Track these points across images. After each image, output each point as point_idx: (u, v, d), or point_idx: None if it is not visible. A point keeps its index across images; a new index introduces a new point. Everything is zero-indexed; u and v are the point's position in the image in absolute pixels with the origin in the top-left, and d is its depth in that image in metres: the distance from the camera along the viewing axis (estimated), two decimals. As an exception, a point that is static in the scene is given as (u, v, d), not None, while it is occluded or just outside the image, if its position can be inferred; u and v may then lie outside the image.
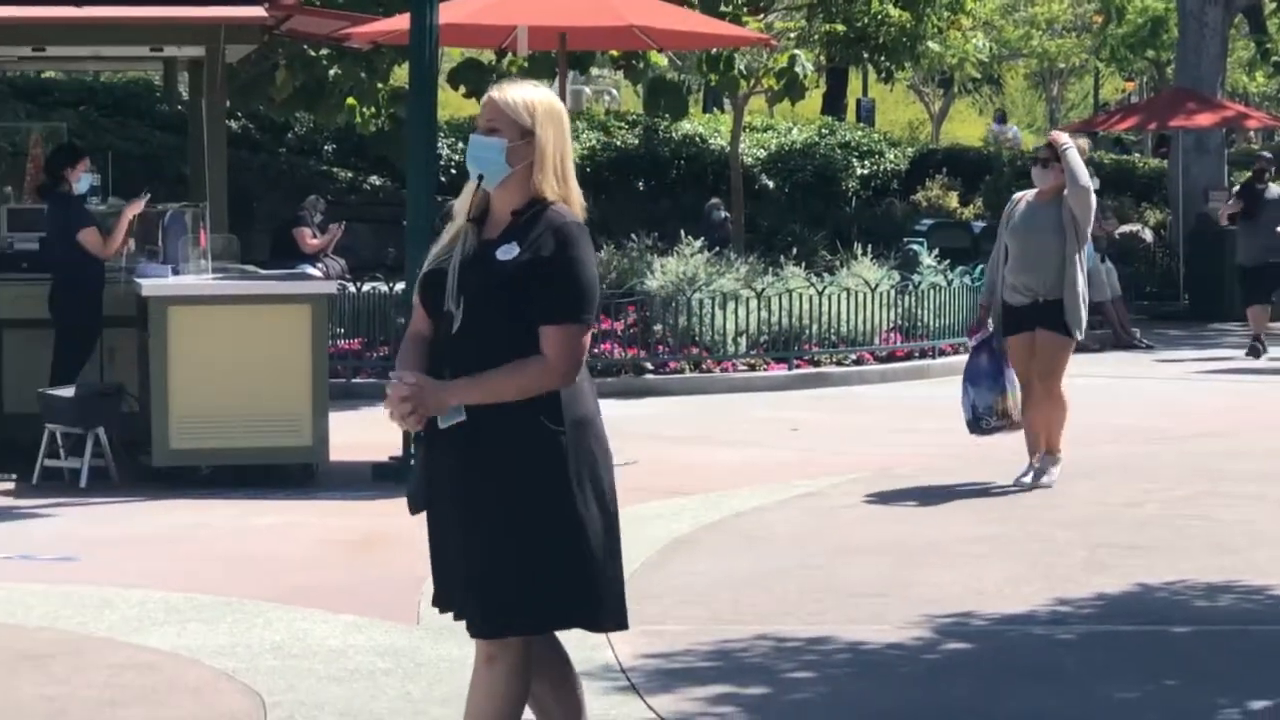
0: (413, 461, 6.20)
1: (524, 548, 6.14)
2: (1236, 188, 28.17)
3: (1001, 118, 50.50)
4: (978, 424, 14.29)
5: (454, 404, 6.07)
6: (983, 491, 14.26)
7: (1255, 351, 23.96)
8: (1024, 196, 14.47)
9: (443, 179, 27.07)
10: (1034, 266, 13.96)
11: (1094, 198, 14.31)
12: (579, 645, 9.34)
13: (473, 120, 31.65)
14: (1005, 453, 16.00)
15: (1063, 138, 14.30)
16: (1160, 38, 44.51)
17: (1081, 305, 14.01)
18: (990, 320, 14.34)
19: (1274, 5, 43.38)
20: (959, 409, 19.37)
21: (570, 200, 6.29)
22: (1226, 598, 10.58)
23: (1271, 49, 45.78)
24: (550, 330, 6.10)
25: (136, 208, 15.32)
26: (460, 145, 30.57)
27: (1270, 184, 24.95)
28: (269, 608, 10.24)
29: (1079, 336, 14.21)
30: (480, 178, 6.26)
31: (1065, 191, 13.91)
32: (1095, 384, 20.58)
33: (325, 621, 9.97)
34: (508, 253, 6.13)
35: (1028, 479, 14.09)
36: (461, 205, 6.33)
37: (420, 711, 8.21)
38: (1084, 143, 14.75)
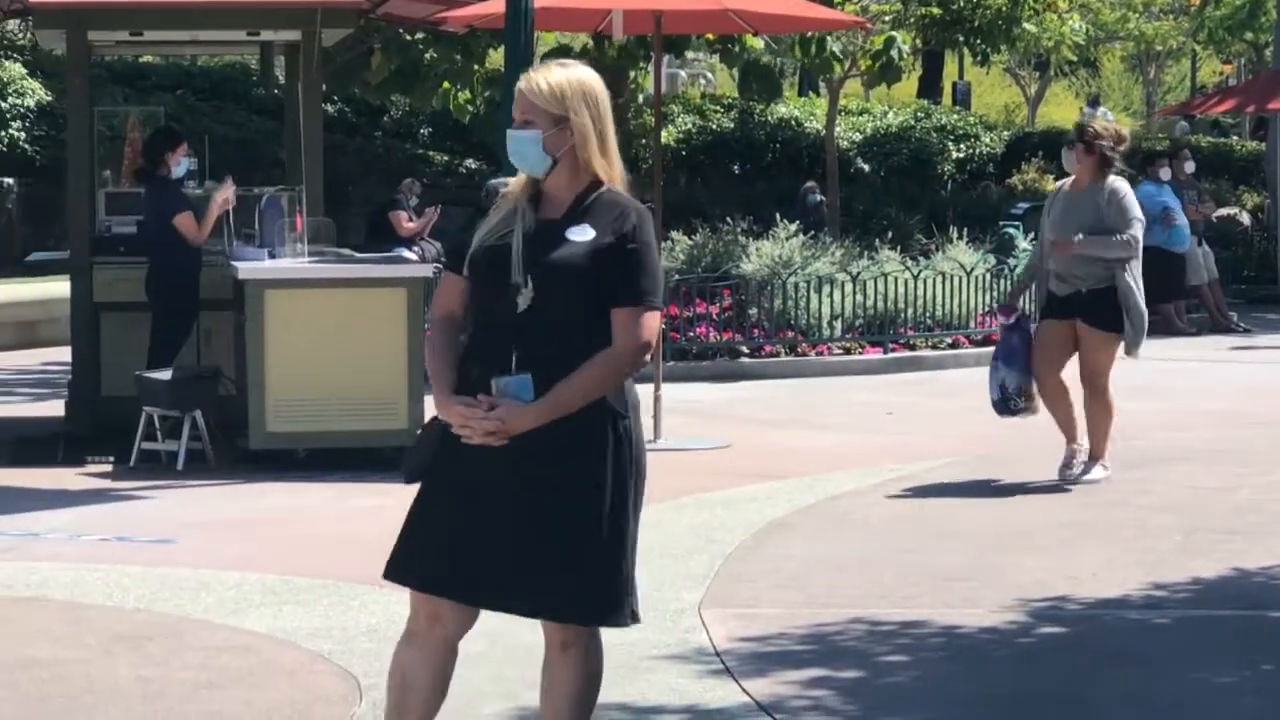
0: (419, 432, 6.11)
1: (611, 533, 6.13)
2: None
3: (1094, 102, 50.32)
4: (1005, 404, 13.82)
5: (533, 425, 6.00)
6: (1083, 478, 14.19)
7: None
8: (1063, 185, 14.14)
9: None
10: (1076, 259, 13.45)
11: (1136, 232, 13.44)
12: (671, 628, 9.38)
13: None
14: (1119, 422, 15.94)
15: (1096, 128, 13.87)
16: (1259, 20, 44.11)
17: (1134, 296, 13.34)
18: (1021, 302, 14.50)
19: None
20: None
21: (614, 178, 6.26)
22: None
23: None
24: (626, 312, 6.08)
25: (225, 192, 15.38)
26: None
27: None
28: (365, 590, 10.27)
29: (1120, 329, 13.44)
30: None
31: (1107, 183, 13.48)
32: (1189, 367, 20.52)
33: (395, 596, 9.99)
34: (582, 234, 6.09)
35: (1073, 471, 13.65)
36: (518, 185, 6.30)
37: (514, 694, 8.22)
38: (1123, 131, 14.20)
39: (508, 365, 6.06)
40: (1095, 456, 13.62)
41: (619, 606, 6.24)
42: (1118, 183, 13.56)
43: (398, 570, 6.39)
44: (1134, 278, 13.37)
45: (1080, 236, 13.33)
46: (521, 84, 6.32)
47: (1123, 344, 13.54)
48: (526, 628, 6.68)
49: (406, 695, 6.43)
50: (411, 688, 6.41)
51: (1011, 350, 13.84)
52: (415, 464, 6.33)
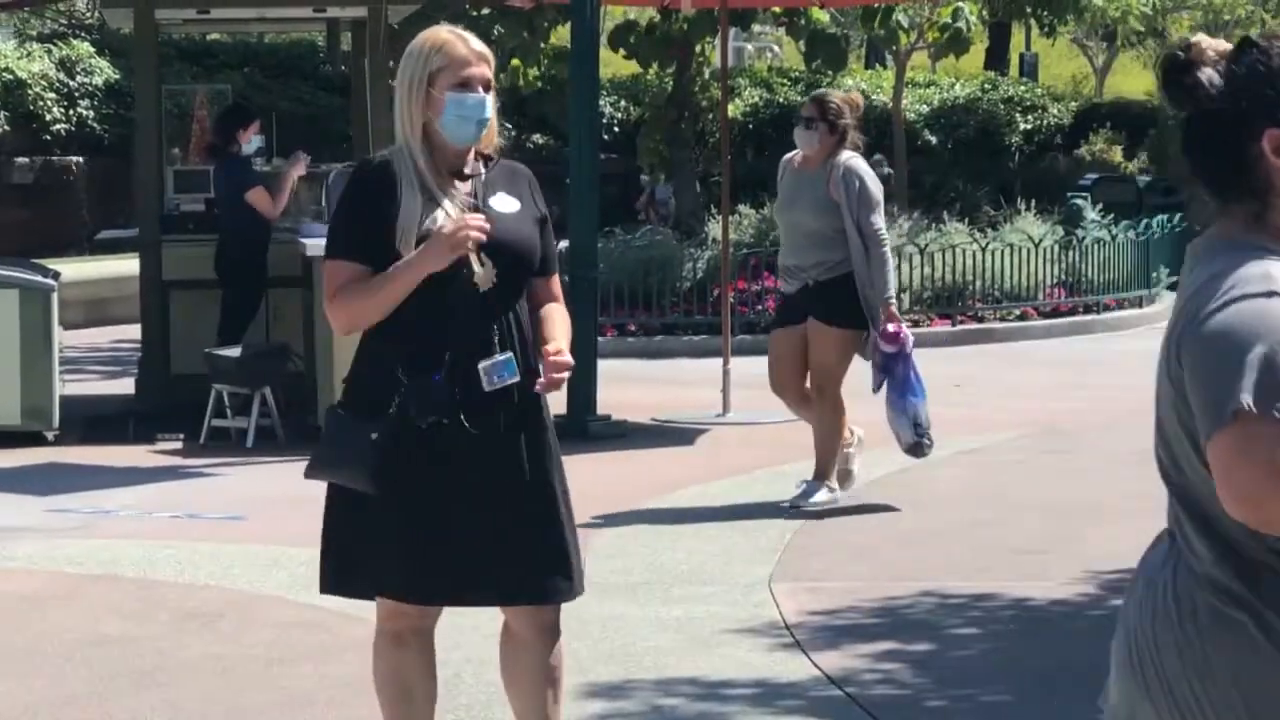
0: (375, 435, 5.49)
1: (568, 511, 6.09)
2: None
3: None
4: (920, 446, 11.77)
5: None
6: (1146, 449, 14.14)
7: None
8: (790, 159, 11.90)
9: (605, 137, 27.11)
10: (798, 246, 11.60)
11: (877, 221, 11.37)
12: (742, 602, 9.38)
13: (635, 79, 31.72)
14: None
15: (834, 99, 11.70)
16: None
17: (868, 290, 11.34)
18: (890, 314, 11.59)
19: None
20: (1124, 363, 19.22)
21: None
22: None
23: None
24: (552, 281, 6.20)
25: (299, 168, 15.43)
26: (622, 103, 30.62)
27: None
28: (434, 565, 10.31)
29: (865, 325, 11.48)
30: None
31: (835, 160, 11.39)
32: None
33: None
34: (506, 204, 5.98)
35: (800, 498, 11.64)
36: (411, 160, 5.93)
37: (585, 669, 8.23)
38: (856, 98, 12.15)
39: (487, 348, 5.88)
40: (820, 476, 11.65)
41: (581, 578, 6.20)
42: (854, 161, 11.49)
43: (396, 587, 6.11)
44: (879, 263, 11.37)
45: (890, 296, 11.43)
46: (476, 45, 6.00)
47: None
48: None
49: (412, 703, 6.29)
50: (415, 694, 6.28)
51: (911, 381, 11.65)
52: (358, 474, 5.91)
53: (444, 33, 6.00)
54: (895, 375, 11.59)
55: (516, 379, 5.88)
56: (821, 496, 11.52)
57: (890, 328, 11.40)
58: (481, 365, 5.85)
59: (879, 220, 11.46)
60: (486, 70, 5.96)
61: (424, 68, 5.88)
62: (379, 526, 5.97)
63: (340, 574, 6.15)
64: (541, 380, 5.93)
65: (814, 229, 11.45)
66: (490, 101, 5.95)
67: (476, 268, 5.85)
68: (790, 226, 11.78)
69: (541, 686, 6.23)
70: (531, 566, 6.05)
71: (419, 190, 5.86)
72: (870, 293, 11.33)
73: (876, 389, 11.76)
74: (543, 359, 5.97)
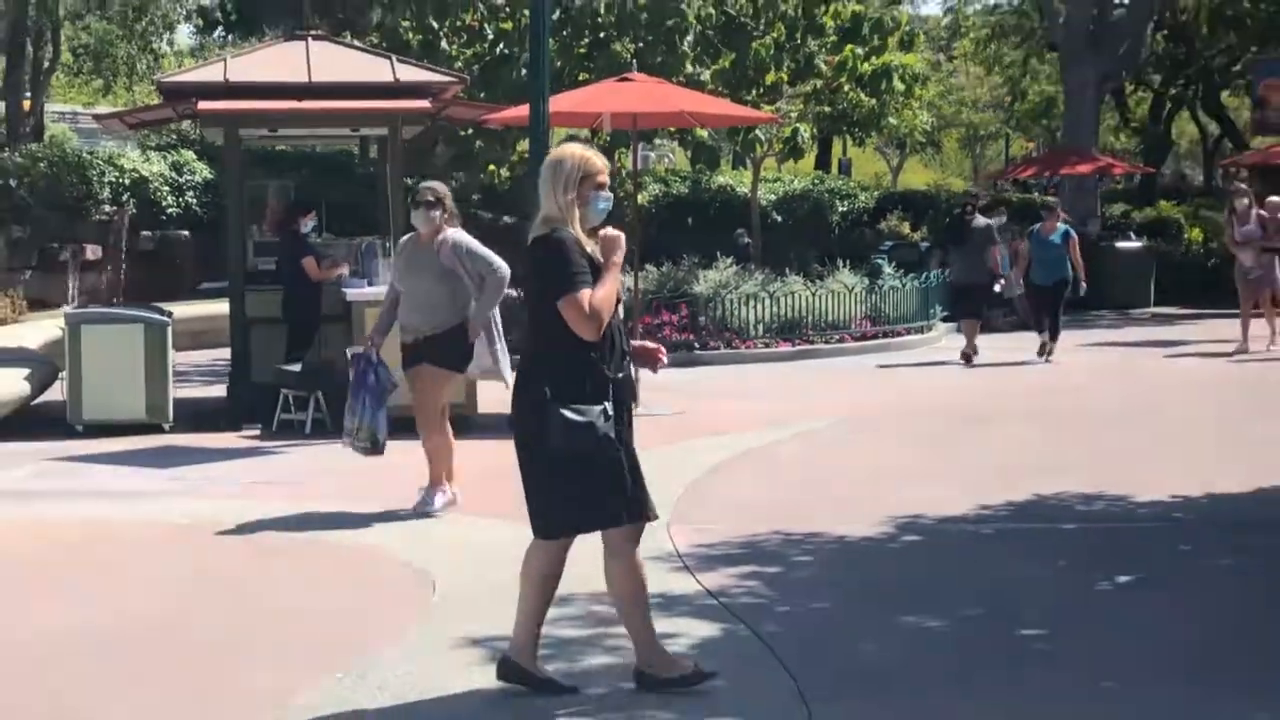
0: (584, 418, 6.01)
1: None
2: (947, 220, 23.62)
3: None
4: (376, 445, 10.56)
5: None
6: (928, 433, 14.24)
7: (968, 359, 19.76)
8: (409, 237, 10.70)
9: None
10: (418, 307, 10.28)
11: (498, 268, 10.30)
12: (649, 539, 9.35)
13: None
14: (948, 395, 15.99)
15: (441, 189, 10.62)
16: (1052, 111, 44.30)
17: (463, 340, 10.31)
18: (374, 344, 10.44)
19: (1132, 88, 43.15)
20: (911, 373, 19.25)
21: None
22: (1099, 504, 10.58)
23: (1130, 118, 45.56)
24: None
25: (340, 269, 15.41)
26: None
27: (976, 215, 20.78)
28: (437, 518, 10.31)
29: (464, 370, 10.59)
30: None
31: (442, 236, 10.31)
32: (1011, 357, 20.44)
33: (482, 523, 10.03)
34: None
35: (427, 505, 10.44)
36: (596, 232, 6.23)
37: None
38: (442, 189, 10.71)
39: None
40: (434, 482, 10.50)
41: None
42: (458, 235, 10.41)
43: (648, 510, 6.41)
44: (494, 288, 10.33)
45: (481, 319, 10.27)
46: (602, 160, 6.29)
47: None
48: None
49: (637, 598, 6.44)
50: (640, 593, 6.43)
51: (365, 387, 10.40)
52: (606, 433, 6.11)
53: (583, 150, 6.31)
54: (361, 378, 10.35)
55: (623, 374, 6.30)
56: (439, 500, 10.37)
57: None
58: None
59: (495, 258, 10.34)
60: (608, 176, 6.26)
61: (577, 174, 6.17)
62: (612, 474, 6.21)
63: (582, 514, 6.25)
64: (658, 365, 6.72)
65: (429, 290, 10.21)
66: (610, 196, 6.26)
67: (622, 294, 6.29)
68: (411, 291, 10.30)
69: (640, 582, 6.43)
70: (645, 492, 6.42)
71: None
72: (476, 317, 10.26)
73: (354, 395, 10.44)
74: (641, 353, 6.66)
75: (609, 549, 6.36)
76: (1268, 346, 20.28)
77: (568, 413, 6.01)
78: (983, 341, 20.27)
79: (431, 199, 10.38)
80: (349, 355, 10.74)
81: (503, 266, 10.30)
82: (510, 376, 9.19)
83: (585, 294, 6.01)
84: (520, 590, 6.46)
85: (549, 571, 6.40)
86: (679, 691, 6.26)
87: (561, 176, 6.19)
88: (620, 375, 6.24)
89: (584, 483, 6.14)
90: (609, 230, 6.25)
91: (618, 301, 6.22)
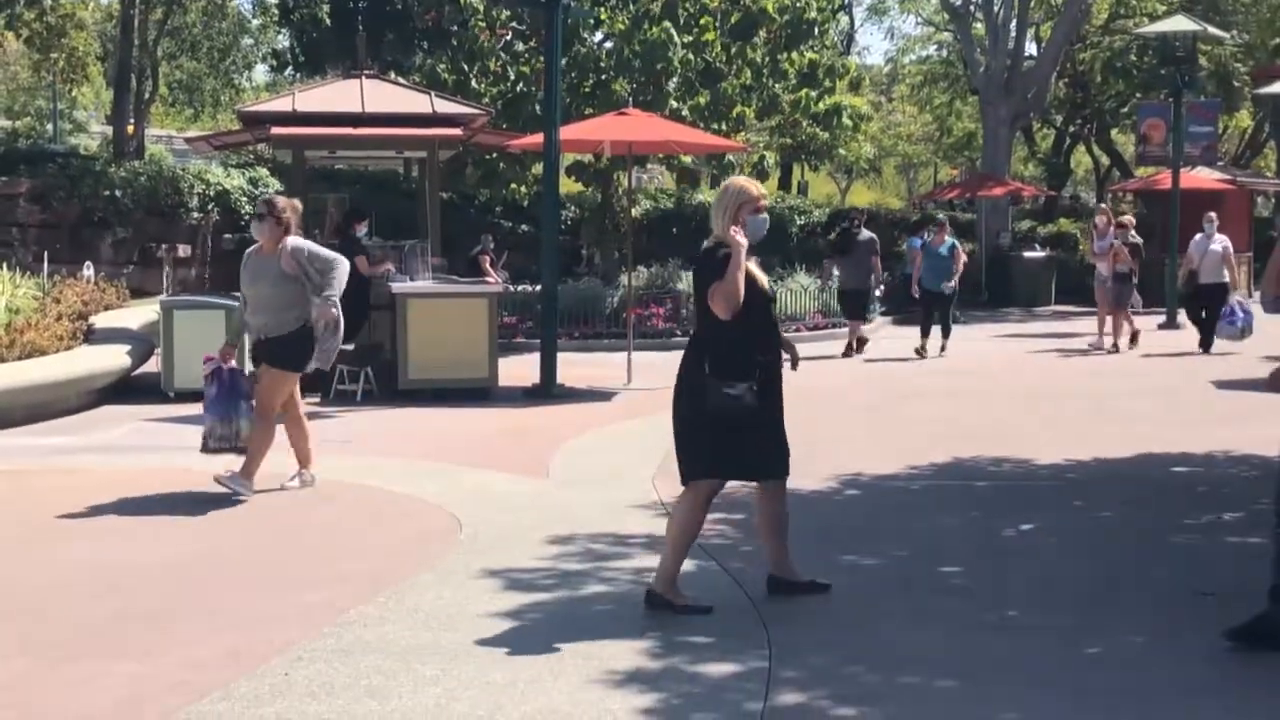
0: (735, 390, 6.26)
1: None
2: (836, 233, 22.20)
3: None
4: (205, 445, 9.38)
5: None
6: (865, 406, 14.23)
7: (849, 352, 19.56)
8: (253, 248, 9.47)
9: (563, 226, 27.00)
10: (260, 310, 9.32)
11: (338, 272, 9.38)
12: (637, 489, 9.38)
13: (580, 193, 31.66)
14: (882, 379, 15.98)
15: (279, 203, 9.46)
16: (973, 144, 44.23)
17: (304, 341, 9.34)
18: (224, 352, 9.44)
19: (1038, 126, 43.12)
20: (853, 359, 19.20)
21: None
22: (1006, 466, 10.58)
23: (1036, 150, 45.53)
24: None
25: (386, 266, 15.39)
26: (573, 207, 30.50)
27: (862, 229, 20.09)
28: (464, 469, 10.31)
29: (302, 370, 9.42)
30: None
31: (283, 245, 9.29)
32: (933, 348, 20.44)
33: (495, 476, 10.04)
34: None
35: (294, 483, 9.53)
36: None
37: (549, 527, 8.26)
38: (299, 204, 9.73)
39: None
40: (246, 475, 9.27)
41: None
42: (297, 241, 9.42)
43: (780, 468, 6.64)
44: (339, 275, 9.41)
45: (332, 294, 9.35)
46: (760, 189, 6.50)
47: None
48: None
49: (772, 528, 6.70)
50: (774, 523, 6.68)
51: (209, 398, 9.36)
52: (736, 406, 6.26)
53: (744, 180, 6.56)
54: (207, 390, 9.39)
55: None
56: (244, 491, 9.18)
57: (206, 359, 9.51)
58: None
59: (334, 254, 9.50)
60: (766, 200, 6.48)
61: (737, 201, 6.38)
62: (755, 437, 6.41)
63: (723, 467, 6.44)
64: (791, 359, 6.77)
65: (271, 295, 9.27)
66: (766, 217, 6.45)
67: (767, 287, 6.51)
68: (254, 296, 9.34)
69: (785, 518, 6.69)
70: (785, 453, 6.60)
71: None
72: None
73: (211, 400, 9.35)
74: (789, 347, 6.78)
75: (763, 493, 6.69)
76: (1113, 342, 20.09)
77: (722, 385, 6.23)
78: (899, 332, 20.26)
79: (262, 211, 9.37)
80: (205, 367, 9.41)
81: (342, 260, 9.46)
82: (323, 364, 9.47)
83: (716, 284, 6.25)
84: (668, 533, 6.57)
85: (691, 518, 6.52)
86: (689, 613, 6.29)
87: (724, 203, 6.40)
88: (767, 358, 6.42)
89: (729, 441, 6.32)
90: (732, 230, 6.34)
91: (771, 300, 6.50)
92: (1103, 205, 23.69)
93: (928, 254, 19.71)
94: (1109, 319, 20.25)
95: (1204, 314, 19.52)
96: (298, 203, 9.74)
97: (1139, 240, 20.79)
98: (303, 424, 9.60)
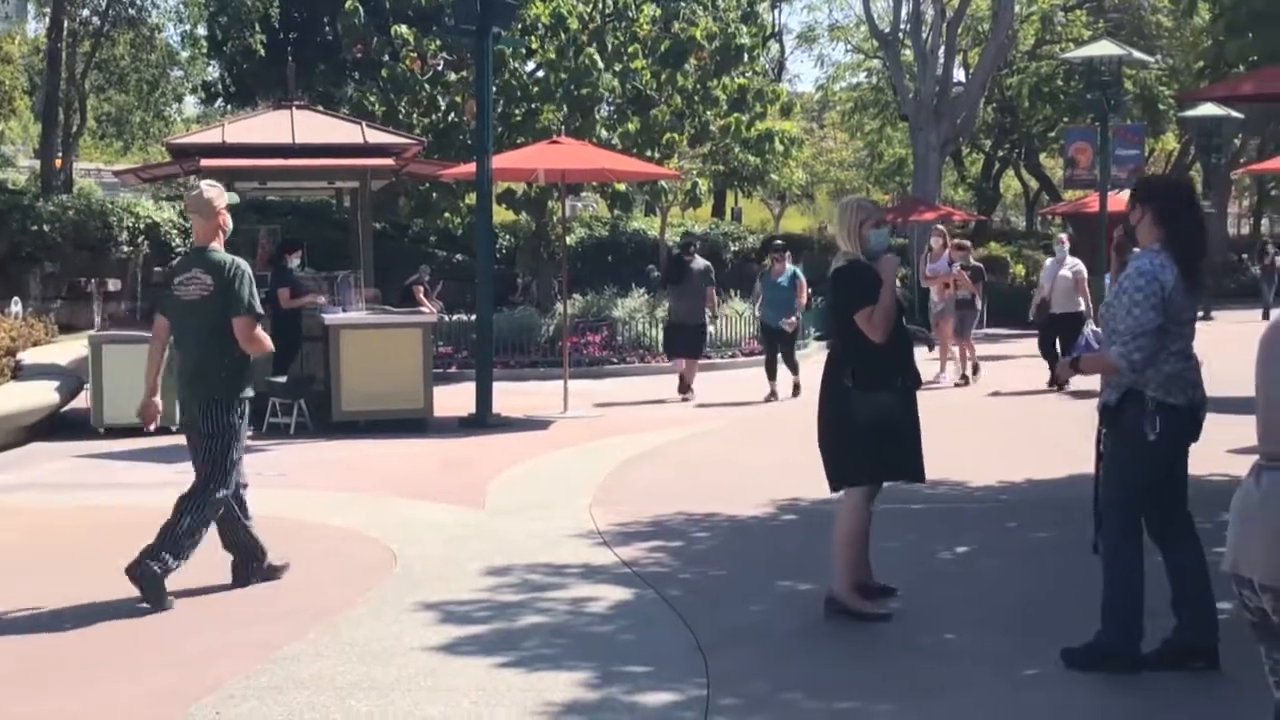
0: (876, 400, 6.64)
1: None
2: (668, 260, 21.17)
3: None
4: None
5: None
6: (799, 433, 14.25)
7: (684, 391, 17.45)
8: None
9: (498, 254, 26.96)
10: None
11: None
12: (574, 518, 9.35)
13: (513, 222, 31.65)
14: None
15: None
16: (903, 169, 44.66)
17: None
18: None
19: (968, 150, 43.55)
20: (785, 384, 19.30)
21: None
22: (941, 489, 10.62)
23: (966, 175, 45.98)
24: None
25: (316, 298, 15.38)
26: (507, 236, 30.43)
27: (696, 257, 18.31)
28: (400, 501, 10.23)
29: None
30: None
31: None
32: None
33: (431, 507, 9.97)
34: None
35: None
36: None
37: (486, 558, 8.21)
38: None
39: None
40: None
41: None
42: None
43: (911, 473, 6.84)
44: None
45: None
46: (878, 207, 6.82)
47: None
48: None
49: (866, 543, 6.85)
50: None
51: None
52: (879, 416, 6.50)
53: (860, 198, 6.91)
54: None
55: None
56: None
57: None
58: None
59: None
60: (885, 216, 6.72)
61: (859, 218, 6.61)
62: (897, 443, 6.63)
63: (875, 470, 6.70)
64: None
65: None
66: (885, 231, 6.69)
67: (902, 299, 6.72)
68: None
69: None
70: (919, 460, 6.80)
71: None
72: None
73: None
74: (919, 338, 6.89)
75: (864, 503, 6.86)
76: (961, 373, 18.50)
77: (865, 396, 6.49)
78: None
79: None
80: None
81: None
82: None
83: (869, 308, 6.46)
84: (836, 546, 6.78)
85: (855, 518, 6.75)
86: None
87: (846, 221, 6.62)
88: (908, 368, 6.64)
89: (876, 447, 6.58)
90: (886, 255, 6.63)
91: (901, 310, 6.63)
92: (939, 227, 21.34)
93: (767, 285, 17.54)
94: (955, 348, 18.69)
95: (1057, 347, 17.15)
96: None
97: (979, 264, 19.43)
98: None
